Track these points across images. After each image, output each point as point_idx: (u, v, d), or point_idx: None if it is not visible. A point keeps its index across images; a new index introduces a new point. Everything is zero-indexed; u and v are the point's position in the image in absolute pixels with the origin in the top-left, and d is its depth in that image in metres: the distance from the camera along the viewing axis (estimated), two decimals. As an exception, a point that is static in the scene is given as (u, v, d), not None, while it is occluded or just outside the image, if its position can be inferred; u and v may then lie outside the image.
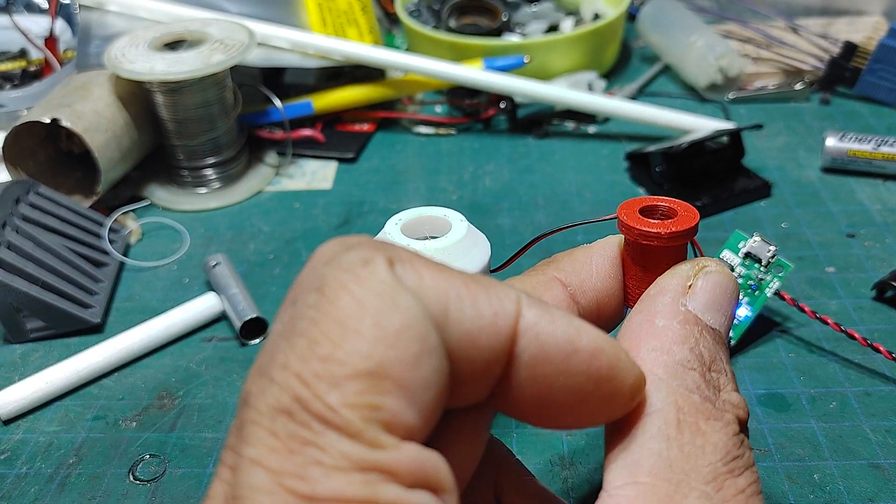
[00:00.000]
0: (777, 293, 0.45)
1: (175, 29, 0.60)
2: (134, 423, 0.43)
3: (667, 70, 0.74)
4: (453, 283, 0.21)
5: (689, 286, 0.26)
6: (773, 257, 0.45)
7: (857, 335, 0.42)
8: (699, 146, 0.57)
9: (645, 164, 0.59)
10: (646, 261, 0.28)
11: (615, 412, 0.23)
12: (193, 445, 0.41)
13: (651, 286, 0.27)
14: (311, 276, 0.21)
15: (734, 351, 0.45)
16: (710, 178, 0.57)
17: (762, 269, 0.45)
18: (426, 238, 0.38)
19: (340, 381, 0.18)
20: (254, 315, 0.47)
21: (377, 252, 0.21)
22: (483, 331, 0.21)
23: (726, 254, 0.46)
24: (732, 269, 0.45)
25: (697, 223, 0.27)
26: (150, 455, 0.41)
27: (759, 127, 0.58)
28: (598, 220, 0.38)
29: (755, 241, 0.45)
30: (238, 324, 0.47)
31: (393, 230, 0.37)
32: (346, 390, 0.18)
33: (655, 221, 0.28)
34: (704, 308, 0.26)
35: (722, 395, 0.24)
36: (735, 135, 0.58)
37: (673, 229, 0.27)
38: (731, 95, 0.69)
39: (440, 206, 0.58)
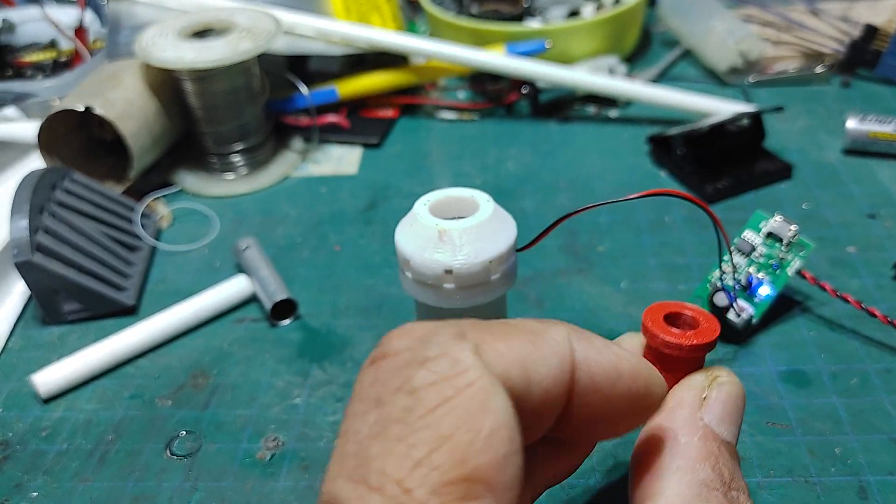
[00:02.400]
0: (798, 272, 0.45)
1: (203, 18, 0.61)
2: (169, 402, 0.44)
3: (687, 55, 0.74)
4: (523, 345, 0.23)
5: (704, 398, 0.28)
6: (794, 237, 0.45)
7: (877, 313, 0.43)
8: (720, 129, 0.58)
9: (666, 147, 0.59)
10: (665, 364, 0.30)
11: (645, 419, 0.27)
12: (227, 422, 0.42)
13: (669, 397, 0.29)
14: (396, 377, 0.22)
15: (757, 329, 0.45)
16: (730, 161, 0.58)
17: (783, 248, 0.45)
18: (454, 218, 0.39)
19: (438, 487, 0.20)
20: (284, 297, 0.48)
21: (461, 345, 0.22)
22: (555, 382, 0.23)
23: (748, 234, 0.46)
24: (754, 249, 0.46)
25: (717, 337, 0.30)
26: (185, 432, 0.42)
27: (779, 109, 0.59)
28: (621, 199, 0.39)
29: (777, 220, 0.46)
30: (269, 305, 0.48)
31: (421, 210, 0.38)
32: (444, 497, 0.19)
33: (678, 332, 0.30)
34: (719, 421, 0.28)
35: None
36: (756, 117, 0.59)
37: (694, 342, 0.30)
38: (751, 79, 0.69)
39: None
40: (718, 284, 0.46)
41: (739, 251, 0.46)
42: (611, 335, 0.46)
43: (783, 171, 0.58)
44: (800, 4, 0.74)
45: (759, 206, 0.55)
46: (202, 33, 0.61)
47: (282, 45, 0.65)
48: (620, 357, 0.25)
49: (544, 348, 0.24)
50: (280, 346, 0.47)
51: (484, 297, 0.38)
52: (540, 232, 0.40)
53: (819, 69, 0.69)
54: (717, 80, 0.70)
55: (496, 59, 0.64)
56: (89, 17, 0.77)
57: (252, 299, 0.51)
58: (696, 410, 0.28)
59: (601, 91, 0.64)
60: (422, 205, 0.38)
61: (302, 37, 0.66)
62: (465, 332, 0.23)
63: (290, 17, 0.65)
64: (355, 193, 0.60)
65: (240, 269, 0.52)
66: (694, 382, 0.29)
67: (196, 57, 0.56)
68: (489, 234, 0.37)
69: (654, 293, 0.49)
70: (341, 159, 0.64)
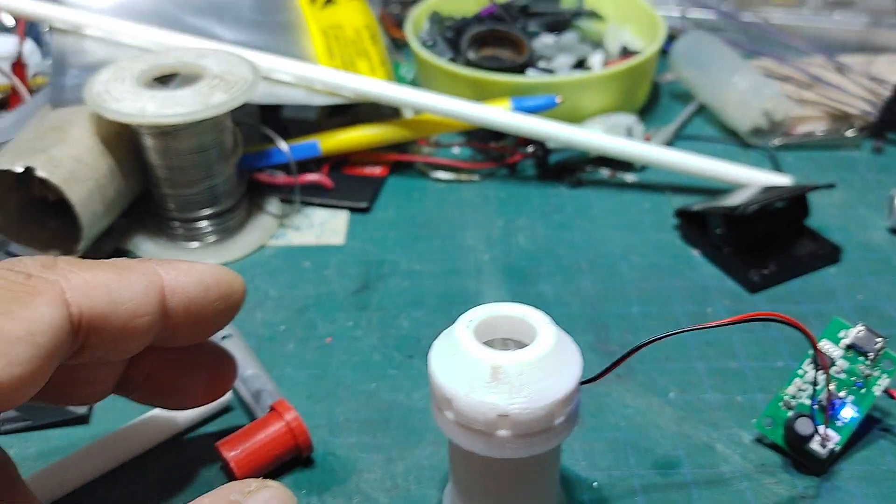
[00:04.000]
0: (886, 391, 0.39)
1: (166, 61, 0.53)
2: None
3: (702, 109, 0.68)
4: (109, 276, 0.28)
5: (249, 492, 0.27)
6: (881, 350, 0.39)
7: None
8: (757, 212, 0.51)
9: (699, 222, 0.53)
10: None
11: (234, 313, 0.33)
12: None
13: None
14: None
15: (838, 457, 0.38)
16: (773, 242, 0.51)
17: (868, 363, 0.39)
18: (506, 342, 0.32)
19: None
20: (279, 398, 0.40)
21: (47, 269, 0.27)
22: (142, 303, 0.29)
23: (825, 344, 0.40)
24: (833, 363, 0.39)
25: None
26: None
27: (831, 186, 0.52)
28: (712, 325, 0.33)
29: (860, 331, 0.39)
30: (261, 413, 0.40)
31: (466, 337, 0.30)
32: None
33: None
34: None
35: None
36: (798, 194, 0.52)
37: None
38: (776, 141, 0.63)
39: (470, 268, 0.51)
40: (793, 404, 0.39)
41: (815, 364, 0.39)
42: (665, 461, 0.39)
43: (831, 255, 0.51)
44: (818, 58, 0.68)
45: (810, 296, 0.49)
46: (165, 79, 0.52)
47: (257, 94, 0.57)
48: (203, 271, 0.32)
49: (130, 277, 0.29)
50: (270, 473, 0.38)
51: (544, 446, 0.30)
52: (612, 362, 0.32)
53: (850, 133, 0.63)
54: (738, 141, 0.64)
55: (502, 115, 0.56)
56: (29, 48, 0.67)
57: (225, 410, 0.42)
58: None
59: (622, 156, 0.57)
60: (465, 327, 0.31)
61: (279, 83, 0.58)
62: (56, 262, 0.28)
63: (266, 61, 0.57)
64: (344, 270, 0.52)
65: (215, 371, 0.43)
66: (232, 486, 0.28)
67: (160, 110, 0.48)
68: (553, 370, 0.30)
69: (708, 406, 0.42)
70: (324, 225, 0.56)
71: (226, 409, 0.42)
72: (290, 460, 0.39)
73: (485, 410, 0.29)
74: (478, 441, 0.30)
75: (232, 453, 0.37)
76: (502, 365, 0.29)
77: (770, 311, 0.48)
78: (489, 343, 0.31)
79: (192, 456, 0.40)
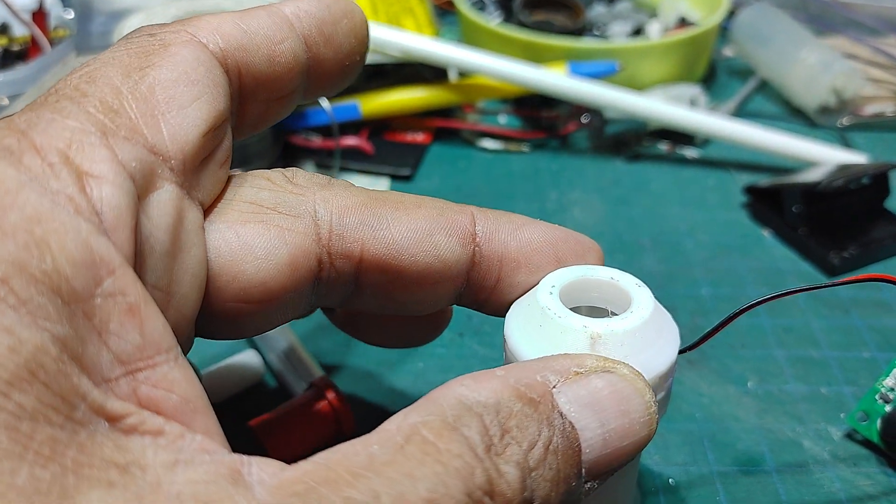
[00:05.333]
0: None
1: (201, 5, 0.49)
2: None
3: (764, 87, 0.64)
4: (232, 16, 0.26)
5: (577, 373, 0.22)
6: None
7: None
8: (846, 185, 0.47)
9: (772, 200, 0.49)
10: None
11: (365, 31, 0.28)
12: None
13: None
14: None
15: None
16: (851, 223, 0.47)
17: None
18: (604, 315, 0.27)
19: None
20: (320, 375, 0.36)
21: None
22: (273, 30, 0.26)
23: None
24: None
25: None
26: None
27: (920, 164, 0.48)
28: (824, 285, 0.29)
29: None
30: (299, 390, 0.36)
31: (553, 302, 0.26)
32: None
33: None
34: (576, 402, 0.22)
35: (491, 454, 0.20)
36: (879, 173, 0.48)
37: None
38: (844, 121, 0.59)
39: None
40: (891, 397, 0.35)
41: (914, 354, 0.35)
42: (747, 457, 0.36)
43: (914, 239, 0.47)
44: (892, 37, 0.64)
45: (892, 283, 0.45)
46: (199, 26, 0.48)
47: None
48: None
49: (252, 12, 0.25)
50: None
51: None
52: (710, 329, 0.28)
53: (923, 114, 0.59)
54: (803, 119, 0.60)
55: (561, 80, 0.52)
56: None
57: (259, 382, 0.38)
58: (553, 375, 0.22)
59: (685, 126, 0.53)
60: (548, 292, 0.27)
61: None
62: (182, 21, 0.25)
63: (306, 14, 0.53)
64: (387, 240, 0.48)
65: (250, 341, 0.40)
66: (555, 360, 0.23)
67: (196, 57, 0.44)
68: (654, 338, 0.26)
69: (791, 398, 0.38)
70: (364, 193, 0.52)
71: (258, 384, 0.38)
72: (331, 444, 0.35)
73: None
74: None
75: (268, 435, 0.33)
76: (602, 334, 0.25)
77: (851, 296, 0.44)
78: (574, 312, 0.27)
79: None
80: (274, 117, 0.28)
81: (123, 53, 0.23)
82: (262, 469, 0.19)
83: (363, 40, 0.28)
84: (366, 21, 0.28)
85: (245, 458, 0.19)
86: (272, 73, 0.26)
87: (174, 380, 0.19)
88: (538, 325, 0.26)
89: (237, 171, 0.27)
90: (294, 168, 0.27)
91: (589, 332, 0.25)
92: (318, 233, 0.25)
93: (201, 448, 0.19)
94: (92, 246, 0.18)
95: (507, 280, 0.27)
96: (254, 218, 0.25)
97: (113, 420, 0.18)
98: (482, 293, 0.28)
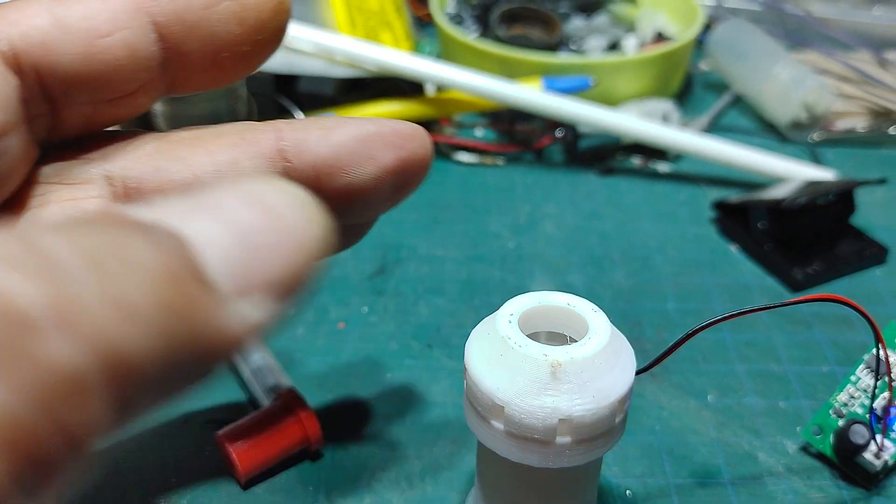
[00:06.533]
0: (947, 403, 0.35)
1: (180, 22, 0.49)
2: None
3: (738, 101, 0.65)
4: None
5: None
6: (943, 358, 0.35)
7: None
8: (812, 202, 0.48)
9: (739, 216, 0.49)
10: None
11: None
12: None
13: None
14: None
15: (891, 470, 0.35)
16: (816, 239, 0.48)
17: (929, 371, 0.36)
18: (562, 340, 0.28)
19: None
20: (288, 387, 0.37)
21: None
22: (101, 18, 0.22)
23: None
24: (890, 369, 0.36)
25: None
26: None
27: (882, 181, 0.49)
28: (778, 305, 0.30)
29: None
30: (267, 402, 0.37)
31: (512, 332, 0.27)
32: None
33: None
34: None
35: None
36: (846, 189, 0.49)
37: None
38: (815, 136, 0.59)
39: (494, 256, 0.48)
40: (844, 412, 0.36)
41: (869, 369, 0.36)
42: (704, 470, 0.36)
43: (878, 255, 0.48)
44: (865, 52, 0.65)
45: (856, 297, 0.43)
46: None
47: (273, 62, 0.54)
48: None
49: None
50: (276, 472, 0.36)
51: (603, 449, 0.27)
52: (664, 350, 0.29)
53: (893, 130, 0.60)
54: (775, 135, 0.61)
55: (534, 95, 0.53)
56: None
57: (228, 397, 0.39)
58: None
59: (659, 143, 0.53)
60: (506, 321, 0.27)
61: (297, 52, 0.55)
62: None
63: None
64: (359, 253, 0.49)
65: (219, 353, 0.40)
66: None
67: (172, 72, 0.44)
68: (613, 363, 0.27)
69: (750, 412, 0.39)
70: (340, 205, 0.53)
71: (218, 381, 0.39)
72: (298, 454, 0.36)
73: (544, 416, 0.25)
74: (532, 452, 0.26)
75: (235, 445, 0.34)
76: (563, 361, 0.25)
77: (814, 311, 0.45)
78: (532, 338, 0.27)
79: (188, 445, 0.37)
80: (115, 119, 0.24)
81: None
82: None
83: (257, 27, 0.23)
84: (268, 4, 0.23)
85: None
86: (91, 73, 0.22)
87: None
88: (499, 355, 0.26)
89: None
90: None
91: (549, 361, 0.25)
92: (113, 192, 0.23)
93: None
94: None
95: (328, 188, 0.24)
96: (37, 202, 0.22)
97: None
98: None
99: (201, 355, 0.15)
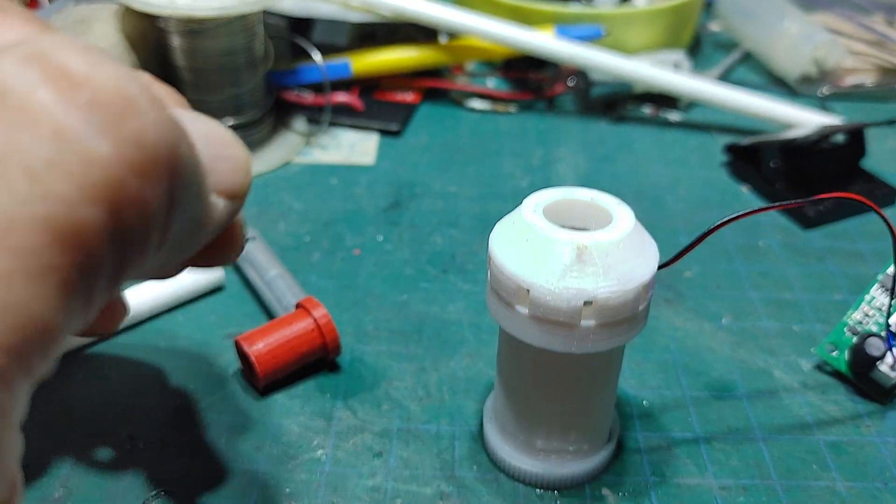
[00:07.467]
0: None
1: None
2: (141, 445, 0.32)
3: (747, 58, 0.65)
4: None
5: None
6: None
7: None
8: (819, 142, 0.48)
9: (751, 158, 0.50)
10: None
11: None
12: (222, 481, 0.31)
13: None
14: None
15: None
16: (827, 180, 0.49)
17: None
18: (577, 229, 0.28)
19: None
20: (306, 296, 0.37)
21: None
22: None
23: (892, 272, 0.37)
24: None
25: None
26: (162, 491, 0.30)
27: (892, 122, 0.50)
28: (791, 203, 0.30)
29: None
30: (283, 313, 0.37)
31: (537, 218, 0.27)
32: None
33: None
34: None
35: None
36: (855, 133, 0.50)
37: None
38: (825, 90, 0.60)
39: (507, 192, 0.48)
40: (859, 330, 0.36)
41: (884, 288, 0.37)
42: (720, 384, 0.37)
43: (888, 196, 0.48)
44: (879, 14, 0.65)
45: (866, 235, 0.46)
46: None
47: (288, 5, 0.54)
48: None
49: None
50: (291, 376, 0.36)
51: (627, 335, 0.27)
52: (684, 247, 0.30)
53: (902, 85, 0.60)
54: (785, 89, 0.61)
55: (549, 42, 0.53)
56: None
57: (217, 289, 0.39)
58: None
59: (669, 89, 0.54)
60: (532, 210, 0.28)
61: (312, -2, 0.55)
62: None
63: (301, -27, 0.54)
64: (374, 188, 0.49)
65: (237, 268, 0.41)
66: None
67: (192, 3, 0.45)
68: (637, 250, 0.27)
69: (764, 333, 0.39)
70: (354, 147, 0.53)
71: (218, 288, 0.39)
72: (315, 363, 0.36)
73: (569, 297, 0.25)
74: (556, 336, 0.26)
75: (254, 347, 0.34)
76: (588, 245, 0.26)
77: (826, 245, 0.45)
78: (558, 231, 0.28)
79: (209, 356, 0.37)
80: None
81: None
82: None
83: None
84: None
85: None
86: None
87: None
88: (524, 240, 0.27)
89: None
90: None
91: (575, 244, 0.26)
92: None
93: None
94: None
95: None
96: None
97: None
98: None
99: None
